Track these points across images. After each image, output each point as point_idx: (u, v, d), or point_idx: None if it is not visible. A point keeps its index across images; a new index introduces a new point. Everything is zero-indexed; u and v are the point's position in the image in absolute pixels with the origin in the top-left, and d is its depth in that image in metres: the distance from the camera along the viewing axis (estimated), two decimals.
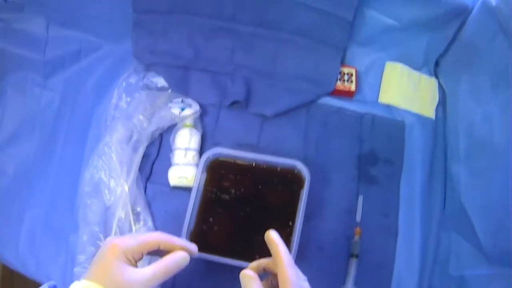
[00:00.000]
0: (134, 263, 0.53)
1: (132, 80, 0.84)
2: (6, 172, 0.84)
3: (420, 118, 0.85)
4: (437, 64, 0.89)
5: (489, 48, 0.69)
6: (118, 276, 0.49)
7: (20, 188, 0.82)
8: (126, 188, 0.77)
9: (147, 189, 0.80)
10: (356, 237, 0.76)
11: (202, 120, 0.83)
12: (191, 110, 0.80)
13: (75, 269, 0.73)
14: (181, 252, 0.55)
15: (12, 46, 0.87)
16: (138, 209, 0.77)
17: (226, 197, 0.74)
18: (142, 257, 0.54)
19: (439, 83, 0.88)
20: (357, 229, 0.77)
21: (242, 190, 0.75)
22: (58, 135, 0.85)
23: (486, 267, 0.65)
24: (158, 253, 0.56)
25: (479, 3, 0.72)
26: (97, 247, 0.74)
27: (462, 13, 0.77)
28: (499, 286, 0.62)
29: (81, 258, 0.74)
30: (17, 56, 0.87)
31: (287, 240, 0.71)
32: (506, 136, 0.63)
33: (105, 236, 0.75)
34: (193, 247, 0.59)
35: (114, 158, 0.78)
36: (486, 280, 0.65)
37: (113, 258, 0.50)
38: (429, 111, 0.85)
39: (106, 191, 0.77)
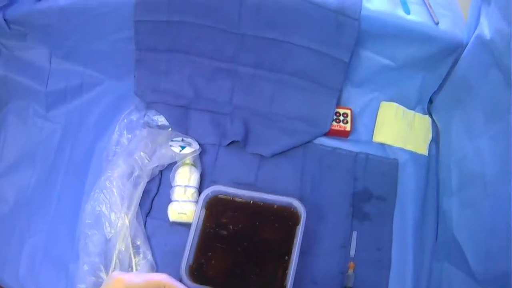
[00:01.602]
0: None
1: (133, 117, 0.86)
2: (7, 199, 0.85)
3: (413, 155, 0.87)
4: (430, 101, 0.91)
5: (482, 82, 0.70)
6: None
7: (20, 216, 0.83)
8: (127, 221, 0.78)
9: (147, 224, 0.81)
10: (350, 271, 0.78)
11: (201, 159, 0.85)
12: (191, 149, 0.82)
13: None
14: None
15: (15, 74, 0.88)
16: (138, 242, 0.79)
17: (224, 232, 0.76)
18: None
19: (432, 120, 0.90)
20: (351, 264, 0.79)
21: (240, 226, 0.77)
22: (59, 167, 0.86)
23: None
24: None
25: (473, 37, 0.73)
26: (97, 277, 0.76)
27: (456, 50, 0.79)
28: None
29: (81, 287, 0.76)
30: (19, 85, 0.89)
31: (283, 274, 0.73)
32: (497, 168, 0.65)
33: (105, 267, 0.77)
34: None
35: (115, 193, 0.80)
36: None
37: None
38: (423, 148, 0.87)
39: (107, 224, 0.78)
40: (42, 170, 0.86)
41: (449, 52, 0.80)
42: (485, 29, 0.68)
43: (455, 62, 0.81)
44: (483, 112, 0.70)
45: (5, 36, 0.86)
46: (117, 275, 0.53)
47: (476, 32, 0.72)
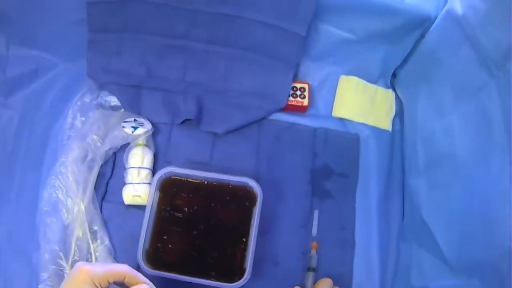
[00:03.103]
0: None
1: (87, 99, 0.84)
2: None
3: (375, 130, 0.85)
4: (394, 75, 0.89)
5: (453, 58, 0.68)
6: None
7: None
8: (83, 207, 0.77)
9: (102, 208, 0.80)
10: (313, 251, 0.76)
11: (154, 139, 0.84)
12: (143, 129, 0.80)
13: (39, 286, 0.74)
14: (144, 286, 0.56)
15: None
16: (95, 227, 0.77)
17: (180, 215, 0.75)
18: (109, 285, 0.56)
19: (396, 94, 0.88)
20: (314, 244, 0.77)
21: (195, 208, 0.75)
22: (18, 154, 0.84)
23: (451, 277, 0.64)
24: (123, 285, 0.58)
25: (443, 12, 0.71)
26: (58, 265, 0.75)
27: (423, 24, 0.76)
28: None
29: (44, 275, 0.75)
30: None
31: (241, 256, 0.71)
32: (468, 147, 0.63)
33: (65, 255, 0.76)
34: None
35: (71, 178, 0.78)
36: None
37: (81, 282, 0.52)
38: (386, 124, 0.85)
39: (64, 210, 0.77)
40: (1, 160, 0.85)
41: (415, 26, 0.77)
42: (457, 4, 0.66)
43: (422, 36, 0.78)
44: (452, 89, 0.68)
45: None
46: (81, 266, 0.54)
47: (447, 6, 0.70)
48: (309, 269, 0.76)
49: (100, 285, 0.54)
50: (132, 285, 0.56)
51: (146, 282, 0.57)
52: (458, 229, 0.63)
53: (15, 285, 0.78)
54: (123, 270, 0.56)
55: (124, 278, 0.56)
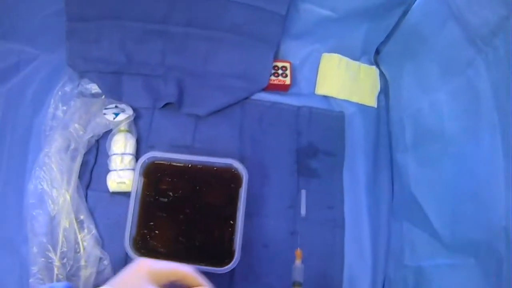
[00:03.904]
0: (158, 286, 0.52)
1: (67, 88, 0.83)
2: None
3: (360, 107, 0.84)
4: (378, 52, 0.88)
5: (438, 35, 0.67)
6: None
7: None
8: (68, 197, 0.76)
9: (88, 197, 0.79)
10: (297, 262, 0.73)
11: (136, 124, 0.83)
12: (125, 115, 0.79)
13: (30, 280, 0.73)
14: None
15: None
16: (82, 217, 0.77)
17: (165, 200, 0.74)
18: (169, 284, 0.53)
19: (380, 71, 0.87)
20: (298, 252, 0.74)
21: (180, 192, 0.74)
22: (3, 149, 0.84)
23: (445, 256, 0.63)
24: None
25: None
26: (47, 257, 0.74)
27: (406, 0, 0.75)
28: (462, 276, 0.59)
29: (34, 269, 0.74)
30: None
31: (229, 239, 0.70)
32: (457, 124, 0.62)
33: (53, 247, 0.75)
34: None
35: (55, 168, 0.78)
36: (448, 270, 0.63)
37: (138, 272, 0.50)
38: (370, 100, 0.84)
39: (50, 201, 0.77)
40: None
41: (397, 3, 0.77)
42: None
43: (405, 12, 0.77)
44: (438, 65, 0.68)
45: None
46: (142, 261, 0.52)
47: None
48: (294, 284, 0.72)
49: (158, 282, 0.51)
50: (192, 286, 0.53)
51: (207, 286, 0.54)
52: (450, 206, 0.62)
53: (5, 279, 0.77)
54: (185, 271, 0.53)
55: (185, 280, 0.53)
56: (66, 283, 0.50)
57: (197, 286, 0.52)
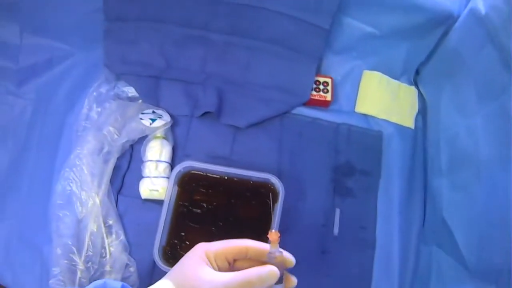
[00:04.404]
0: (216, 267, 0.48)
1: (103, 89, 0.82)
2: None
3: (398, 128, 0.83)
4: (417, 72, 0.87)
5: (476, 58, 0.67)
6: (191, 272, 0.46)
7: None
8: (98, 200, 0.75)
9: (118, 202, 0.78)
10: (273, 246, 0.50)
11: (173, 131, 0.82)
12: (161, 122, 0.78)
13: (50, 282, 0.72)
14: (269, 267, 0.47)
15: None
16: (110, 222, 0.76)
17: (198, 211, 0.73)
18: (228, 265, 0.49)
19: (419, 92, 0.86)
20: (273, 234, 0.51)
21: (214, 204, 0.73)
22: (31, 145, 0.83)
23: (470, 282, 0.63)
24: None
25: (466, 10, 0.70)
26: (70, 260, 0.73)
27: (446, 21, 0.75)
28: None
29: (55, 270, 0.73)
30: None
31: None
32: (491, 150, 0.61)
33: (78, 250, 0.74)
34: (291, 259, 0.51)
35: (85, 170, 0.76)
36: None
37: (194, 255, 0.47)
38: (408, 121, 0.83)
39: (78, 204, 0.75)
40: (14, 150, 0.83)
41: (438, 23, 0.76)
42: (480, 3, 0.65)
43: (445, 33, 0.77)
44: (475, 89, 0.67)
45: None
46: (200, 244, 0.49)
47: (470, 5, 0.68)
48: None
49: (216, 263, 0.47)
50: (260, 259, 0.49)
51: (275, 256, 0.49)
52: (478, 232, 0.62)
53: (24, 279, 0.77)
54: (243, 244, 0.49)
55: (247, 253, 0.49)
56: (123, 283, 0.47)
57: (261, 257, 0.49)
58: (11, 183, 0.81)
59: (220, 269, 0.48)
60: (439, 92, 0.79)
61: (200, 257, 0.47)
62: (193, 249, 0.48)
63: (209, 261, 0.47)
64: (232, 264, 0.49)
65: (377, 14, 0.79)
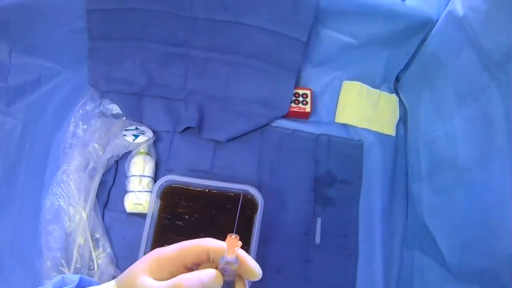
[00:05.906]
0: (161, 277, 0.39)
1: (88, 107, 0.84)
2: None
3: (379, 136, 0.84)
4: (397, 79, 0.87)
5: (455, 61, 0.67)
6: (131, 279, 0.38)
7: None
8: (85, 215, 0.77)
9: (104, 216, 0.80)
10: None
11: (156, 147, 0.83)
12: (144, 138, 0.80)
13: None
14: (211, 270, 0.38)
15: None
16: (97, 235, 0.77)
17: (181, 223, 0.74)
18: (185, 271, 0.39)
19: (400, 99, 0.86)
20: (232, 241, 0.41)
21: (196, 216, 0.75)
22: (21, 162, 0.84)
23: (453, 285, 0.63)
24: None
25: (444, 13, 0.69)
26: (60, 272, 0.75)
27: (425, 26, 0.75)
28: None
29: (46, 282, 0.75)
30: None
31: None
32: (471, 152, 0.61)
33: (67, 262, 0.76)
34: (255, 270, 0.40)
35: (72, 186, 0.78)
36: None
37: (142, 262, 0.39)
38: (389, 129, 0.84)
39: (66, 218, 0.77)
40: (4, 167, 0.85)
41: (417, 29, 0.76)
42: (458, 5, 0.65)
43: (424, 39, 0.77)
44: (454, 92, 0.67)
45: None
46: (155, 250, 0.40)
47: (448, 8, 0.68)
48: None
49: (170, 270, 0.39)
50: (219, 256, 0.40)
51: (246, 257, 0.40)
52: (460, 235, 0.62)
53: None
54: (203, 244, 0.41)
55: (208, 256, 0.40)
56: (81, 275, 0.42)
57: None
58: (2, 199, 0.82)
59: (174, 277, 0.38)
60: (419, 98, 0.80)
61: (148, 263, 0.39)
62: (148, 254, 0.40)
63: (157, 269, 0.39)
64: (196, 270, 0.40)
65: (355, 24, 0.79)
